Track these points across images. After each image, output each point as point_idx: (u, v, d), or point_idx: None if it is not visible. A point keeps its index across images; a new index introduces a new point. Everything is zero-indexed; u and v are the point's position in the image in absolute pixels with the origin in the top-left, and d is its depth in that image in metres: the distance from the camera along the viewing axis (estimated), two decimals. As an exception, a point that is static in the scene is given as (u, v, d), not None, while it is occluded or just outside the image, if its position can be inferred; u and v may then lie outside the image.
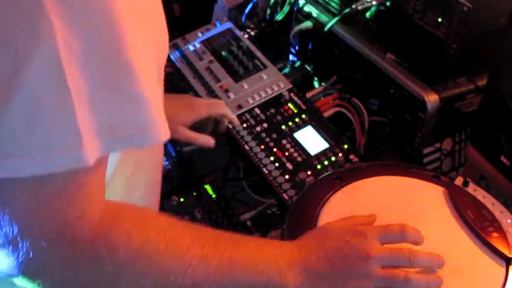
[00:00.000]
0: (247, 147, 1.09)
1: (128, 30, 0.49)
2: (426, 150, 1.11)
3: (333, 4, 1.27)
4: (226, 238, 0.65)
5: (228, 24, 1.37)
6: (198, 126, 1.09)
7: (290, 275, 0.66)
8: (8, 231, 0.49)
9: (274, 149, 1.07)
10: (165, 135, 0.54)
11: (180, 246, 0.59)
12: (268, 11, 1.47)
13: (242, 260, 0.64)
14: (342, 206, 0.81)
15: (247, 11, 1.50)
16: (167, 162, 1.30)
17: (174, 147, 1.33)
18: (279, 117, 1.14)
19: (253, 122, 1.13)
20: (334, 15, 1.25)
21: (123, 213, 0.57)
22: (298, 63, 1.38)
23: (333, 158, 1.04)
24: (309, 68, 1.35)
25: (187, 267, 0.59)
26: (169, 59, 1.31)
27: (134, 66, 0.49)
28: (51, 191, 0.50)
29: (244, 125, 1.13)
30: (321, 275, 0.67)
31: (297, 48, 1.40)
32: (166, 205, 1.19)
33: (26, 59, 0.45)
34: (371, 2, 1.13)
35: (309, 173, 1.02)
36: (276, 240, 0.72)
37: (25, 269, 0.51)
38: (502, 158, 0.92)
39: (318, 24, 1.29)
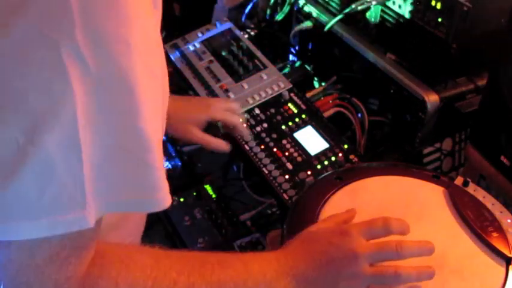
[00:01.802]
0: (247, 147, 1.09)
1: (143, 98, 0.49)
2: (426, 150, 1.11)
3: (333, 4, 1.27)
4: (212, 261, 0.65)
5: (228, 24, 1.37)
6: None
7: (279, 285, 0.66)
8: None
9: (274, 149, 1.07)
10: (167, 202, 0.54)
11: (167, 282, 0.59)
12: (268, 11, 1.47)
13: (230, 280, 0.64)
14: (342, 206, 0.81)
15: (247, 11, 1.50)
16: (167, 162, 1.30)
17: (174, 147, 1.33)
18: (279, 117, 1.14)
19: (253, 122, 1.13)
20: (334, 15, 1.25)
21: (108, 260, 0.57)
22: (298, 63, 1.38)
23: (333, 158, 1.04)
24: (309, 68, 1.35)
25: None
26: (169, 59, 1.31)
27: (147, 134, 0.50)
28: (46, 254, 0.51)
29: (245, 125, 1.13)
30: (311, 280, 0.67)
31: (297, 48, 1.40)
32: (166, 205, 1.19)
33: (44, 127, 0.45)
34: (371, 2, 1.13)
35: (309, 173, 1.02)
36: (261, 252, 0.72)
37: None
38: (502, 158, 0.92)
39: (318, 24, 1.29)
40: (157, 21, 0.58)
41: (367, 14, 1.17)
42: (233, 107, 1.12)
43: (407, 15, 1.07)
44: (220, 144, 1.06)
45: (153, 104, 0.51)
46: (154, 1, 0.54)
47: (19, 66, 0.45)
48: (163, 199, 0.54)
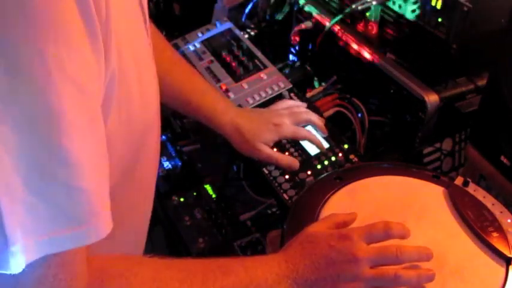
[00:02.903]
0: (247, 147, 1.08)
1: (65, 114, 0.45)
2: (426, 150, 1.11)
3: (333, 4, 1.27)
4: (214, 268, 0.65)
5: (228, 24, 1.37)
6: None
7: None
8: None
9: (274, 149, 1.07)
10: (106, 229, 0.50)
11: None
12: (268, 11, 1.47)
13: (233, 287, 0.64)
14: (342, 206, 0.81)
15: (247, 11, 1.50)
16: (167, 162, 1.30)
17: (174, 147, 1.33)
18: (279, 117, 1.14)
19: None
20: (334, 15, 1.25)
21: (108, 274, 0.57)
22: (298, 63, 1.38)
23: (333, 158, 1.04)
24: (309, 68, 1.35)
25: None
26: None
27: (72, 154, 0.46)
28: (34, 278, 0.48)
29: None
30: (310, 283, 0.67)
31: (297, 48, 1.40)
32: (166, 205, 1.19)
33: None
34: (371, 2, 1.13)
35: (309, 173, 1.02)
36: (262, 256, 0.71)
37: None
38: (502, 158, 0.92)
39: (318, 24, 1.29)
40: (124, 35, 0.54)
41: (367, 14, 1.17)
42: (305, 118, 1.07)
43: (407, 15, 1.07)
44: (291, 161, 1.01)
45: (83, 121, 0.47)
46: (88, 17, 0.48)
47: None
48: (101, 226, 0.50)
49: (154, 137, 0.75)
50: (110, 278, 0.56)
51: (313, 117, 1.08)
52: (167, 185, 1.24)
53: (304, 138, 1.06)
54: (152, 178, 0.80)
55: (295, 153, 1.06)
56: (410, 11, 1.06)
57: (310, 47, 1.35)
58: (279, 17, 1.44)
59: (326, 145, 1.06)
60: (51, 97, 0.44)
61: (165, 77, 0.90)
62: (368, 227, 0.71)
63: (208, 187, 1.24)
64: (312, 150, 1.06)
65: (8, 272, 0.46)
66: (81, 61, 0.47)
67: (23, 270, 0.47)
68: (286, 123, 1.05)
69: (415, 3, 1.04)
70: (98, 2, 0.49)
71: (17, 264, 0.45)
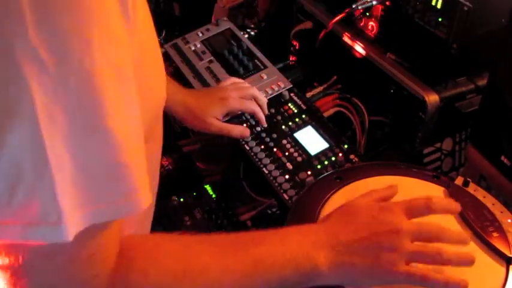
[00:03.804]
0: (247, 147, 1.09)
1: (109, 96, 0.47)
2: (426, 150, 1.11)
3: (333, 4, 1.27)
4: (247, 240, 0.65)
5: (228, 24, 1.37)
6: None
7: (318, 256, 0.65)
8: None
9: (274, 149, 1.07)
10: (145, 203, 0.52)
11: (200, 267, 0.59)
12: (268, 11, 1.47)
13: (267, 256, 0.63)
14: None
15: (247, 11, 1.50)
16: (167, 162, 1.30)
17: (174, 147, 1.33)
18: (279, 117, 1.14)
19: (253, 122, 1.13)
20: (334, 14, 1.25)
21: (135, 252, 0.57)
22: (298, 63, 1.38)
23: (333, 158, 1.04)
24: (309, 68, 1.35)
25: (211, 283, 0.59)
26: (169, 59, 1.31)
27: (116, 133, 0.48)
28: (65, 256, 0.50)
29: (244, 125, 1.13)
30: (351, 251, 0.66)
31: (297, 48, 1.40)
32: (166, 205, 1.19)
33: (5, 128, 0.44)
34: (371, 1, 1.13)
35: (309, 173, 1.02)
36: (296, 226, 0.70)
37: None
38: (503, 158, 0.92)
39: (318, 24, 1.29)
40: (141, 21, 0.55)
41: (367, 14, 1.17)
42: (250, 92, 1.13)
43: (407, 15, 1.07)
44: (242, 130, 1.09)
45: (122, 102, 0.49)
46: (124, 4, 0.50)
47: None
48: (142, 200, 0.51)
49: (159, 127, 0.75)
50: (138, 255, 0.56)
51: (257, 92, 1.14)
52: (167, 185, 1.24)
53: (249, 110, 1.12)
54: (156, 171, 0.80)
55: (295, 153, 1.06)
56: (410, 11, 1.06)
57: (310, 47, 1.35)
58: (279, 17, 1.44)
59: (326, 145, 1.06)
60: (96, 83, 0.46)
61: None
62: (409, 201, 0.71)
63: (208, 187, 1.24)
64: (312, 150, 1.06)
65: (59, 242, 0.47)
66: (118, 44, 0.49)
67: (57, 248, 0.48)
68: (232, 96, 1.10)
69: (415, 2, 1.04)
70: None
71: (67, 234, 0.47)
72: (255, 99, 1.13)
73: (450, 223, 0.79)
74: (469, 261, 0.68)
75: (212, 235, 0.65)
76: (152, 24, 0.65)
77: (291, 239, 0.67)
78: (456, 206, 0.71)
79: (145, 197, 0.51)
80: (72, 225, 0.47)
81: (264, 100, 1.14)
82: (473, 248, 0.76)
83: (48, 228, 0.46)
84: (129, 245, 0.56)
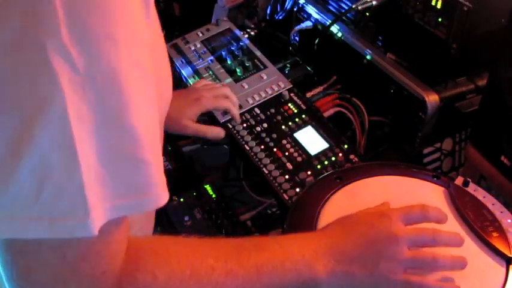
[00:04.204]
0: (247, 147, 1.09)
1: (133, 94, 0.49)
2: (426, 150, 1.11)
3: (333, 4, 1.27)
4: (248, 245, 0.65)
5: (228, 24, 1.37)
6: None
7: (319, 265, 0.66)
8: None
9: (274, 149, 1.07)
10: (164, 198, 0.54)
11: (205, 269, 0.59)
12: (268, 11, 1.47)
13: (268, 263, 0.64)
14: (342, 206, 0.81)
15: (247, 11, 1.50)
16: (167, 162, 1.30)
17: (174, 147, 1.33)
18: (279, 117, 1.14)
19: (253, 122, 1.13)
20: (334, 15, 1.25)
21: (143, 252, 0.57)
22: (298, 63, 1.38)
23: (333, 158, 1.04)
24: (309, 68, 1.35)
25: (216, 286, 0.59)
26: (169, 59, 1.31)
27: (139, 131, 0.49)
28: (77, 252, 0.50)
29: (244, 125, 1.13)
30: (350, 260, 0.67)
31: (297, 48, 1.40)
32: (166, 205, 1.18)
33: (36, 125, 0.45)
34: (371, 1, 1.13)
35: (309, 173, 1.02)
36: (296, 234, 0.71)
37: None
38: (502, 158, 0.92)
39: (318, 24, 1.29)
40: (153, 19, 0.57)
41: (367, 14, 1.17)
42: (222, 92, 1.13)
43: (407, 15, 1.07)
44: (217, 132, 1.09)
45: (144, 100, 0.51)
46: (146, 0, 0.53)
47: (7, 67, 0.45)
48: (161, 195, 0.53)
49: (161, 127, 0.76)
50: (145, 255, 0.57)
51: (229, 91, 1.14)
52: (167, 185, 1.24)
53: (223, 108, 1.13)
54: None
55: (295, 153, 1.06)
56: (410, 11, 1.06)
57: (310, 47, 1.35)
58: (279, 17, 1.44)
59: (326, 145, 1.06)
60: (122, 81, 0.47)
61: None
62: (406, 208, 0.73)
63: (208, 187, 1.24)
64: (312, 150, 1.06)
65: (86, 236, 0.48)
66: (142, 44, 0.51)
67: (69, 244, 0.49)
68: (206, 96, 1.10)
69: (415, 2, 1.04)
70: None
71: (93, 229, 0.48)
72: (228, 98, 1.14)
73: (450, 223, 0.79)
74: (462, 265, 0.70)
75: (214, 239, 0.65)
76: (159, 23, 0.66)
77: (291, 247, 0.67)
78: (445, 217, 0.73)
79: (163, 192, 0.54)
80: (97, 219, 0.48)
81: (235, 100, 1.15)
82: (473, 248, 0.76)
83: (76, 223, 0.47)
84: (136, 246, 0.57)
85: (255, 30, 1.45)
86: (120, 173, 0.49)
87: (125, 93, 0.48)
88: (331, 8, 1.28)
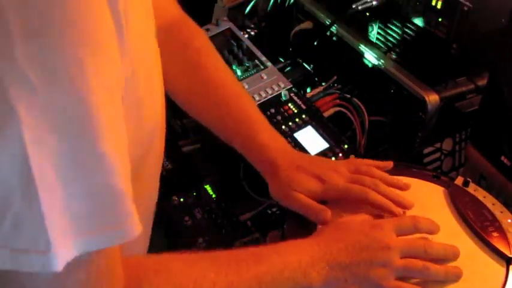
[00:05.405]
0: (247, 147, 1.08)
1: (101, 118, 0.45)
2: (426, 150, 1.11)
3: (333, 4, 1.27)
4: (247, 258, 0.65)
5: (228, 24, 1.37)
6: None
7: (314, 271, 0.67)
8: None
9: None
10: (138, 229, 0.50)
11: (207, 284, 0.59)
12: (268, 11, 1.47)
13: (267, 273, 0.64)
14: (342, 206, 0.81)
15: (247, 11, 1.50)
16: (167, 162, 1.30)
17: (174, 147, 1.33)
18: (279, 117, 1.14)
19: (253, 122, 1.13)
20: (334, 15, 1.25)
21: (143, 271, 0.57)
22: (298, 63, 1.38)
23: (333, 158, 1.04)
24: (309, 68, 1.35)
25: None
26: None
27: (109, 157, 0.46)
28: (75, 283, 0.49)
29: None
30: (343, 266, 0.68)
31: (297, 48, 1.40)
32: (166, 205, 1.18)
33: None
34: (371, 2, 1.13)
35: (309, 173, 1.01)
36: (293, 240, 0.72)
37: None
38: (503, 158, 0.92)
39: (318, 24, 1.29)
40: (137, 37, 0.53)
41: (367, 14, 1.17)
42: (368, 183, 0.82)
43: (407, 15, 1.07)
44: (324, 214, 0.79)
45: (113, 124, 0.47)
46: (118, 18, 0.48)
47: None
48: (134, 226, 0.49)
49: (160, 140, 0.75)
50: (146, 274, 0.56)
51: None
52: (167, 185, 1.24)
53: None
54: (156, 180, 0.80)
55: (295, 153, 1.05)
56: (410, 11, 1.06)
57: (310, 47, 1.35)
58: (279, 17, 1.44)
59: (326, 145, 1.06)
60: (89, 106, 0.44)
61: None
62: (398, 219, 0.75)
63: (208, 187, 1.24)
64: (312, 150, 1.06)
65: (47, 271, 0.45)
66: (112, 64, 0.47)
67: (67, 276, 0.47)
68: (333, 184, 0.83)
69: (415, 3, 1.04)
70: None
71: (56, 264, 0.45)
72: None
73: (450, 223, 0.79)
74: (456, 276, 0.70)
75: (212, 253, 0.65)
76: (152, 29, 0.64)
77: (289, 256, 0.68)
78: (437, 227, 0.75)
79: (136, 223, 0.50)
80: (63, 254, 0.45)
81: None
82: (473, 248, 0.76)
83: (37, 256, 0.44)
84: (135, 266, 0.56)
85: (255, 30, 1.45)
86: (89, 203, 0.46)
87: (92, 116, 0.44)
88: (331, 8, 1.28)
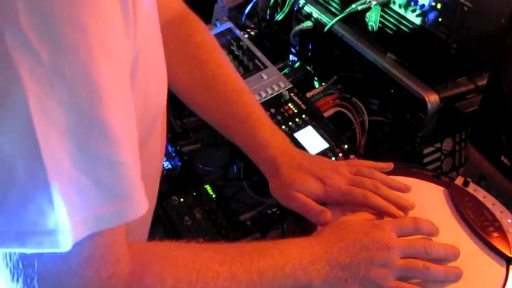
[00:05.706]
0: (247, 147, 1.08)
1: (106, 90, 0.44)
2: (426, 150, 1.11)
3: (333, 4, 1.27)
4: (250, 251, 0.66)
5: (228, 24, 1.37)
6: None
7: (314, 270, 0.67)
8: None
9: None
10: (144, 206, 0.50)
11: (211, 274, 0.59)
12: (268, 11, 1.47)
13: (269, 269, 0.65)
14: (342, 206, 0.81)
15: (247, 11, 1.50)
16: (167, 162, 1.30)
17: (174, 147, 1.33)
18: (279, 117, 1.14)
19: (253, 122, 1.13)
20: (334, 15, 1.25)
21: (148, 257, 0.57)
22: (298, 63, 1.38)
23: (333, 158, 1.04)
24: (309, 68, 1.35)
25: None
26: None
27: (113, 128, 0.45)
28: (81, 258, 0.49)
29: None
30: (343, 265, 0.68)
31: (297, 48, 1.40)
32: (166, 205, 1.19)
33: None
34: (371, 2, 1.13)
35: (309, 173, 1.01)
36: (294, 238, 0.72)
37: None
38: (503, 158, 0.92)
39: (318, 24, 1.29)
40: (145, 20, 0.53)
41: (367, 14, 1.17)
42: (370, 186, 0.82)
43: (407, 15, 1.07)
44: (324, 215, 0.78)
45: (119, 96, 0.47)
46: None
47: None
48: (140, 203, 0.49)
49: (162, 122, 0.75)
50: (151, 260, 0.56)
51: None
52: (167, 185, 1.24)
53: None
54: (158, 166, 0.79)
55: (295, 153, 1.05)
56: (410, 11, 1.06)
57: (310, 47, 1.35)
58: (279, 17, 1.44)
59: (326, 145, 1.06)
60: (93, 74, 0.44)
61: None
62: (398, 220, 0.75)
63: (208, 187, 1.24)
64: (312, 150, 1.06)
65: (57, 251, 0.45)
66: (116, 35, 0.47)
67: (71, 251, 0.46)
68: (336, 186, 0.81)
69: (415, 4, 1.04)
70: None
71: (65, 243, 0.45)
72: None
73: (450, 223, 0.79)
74: (456, 276, 0.70)
75: (216, 244, 0.65)
76: (157, 25, 0.65)
77: (290, 253, 0.68)
78: (437, 230, 0.75)
79: (142, 200, 0.49)
80: (71, 233, 0.45)
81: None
82: (473, 248, 0.76)
83: (45, 236, 0.44)
84: (140, 252, 0.56)
85: (255, 30, 1.45)
86: (97, 178, 0.45)
87: (98, 86, 0.44)
88: (331, 8, 1.28)
